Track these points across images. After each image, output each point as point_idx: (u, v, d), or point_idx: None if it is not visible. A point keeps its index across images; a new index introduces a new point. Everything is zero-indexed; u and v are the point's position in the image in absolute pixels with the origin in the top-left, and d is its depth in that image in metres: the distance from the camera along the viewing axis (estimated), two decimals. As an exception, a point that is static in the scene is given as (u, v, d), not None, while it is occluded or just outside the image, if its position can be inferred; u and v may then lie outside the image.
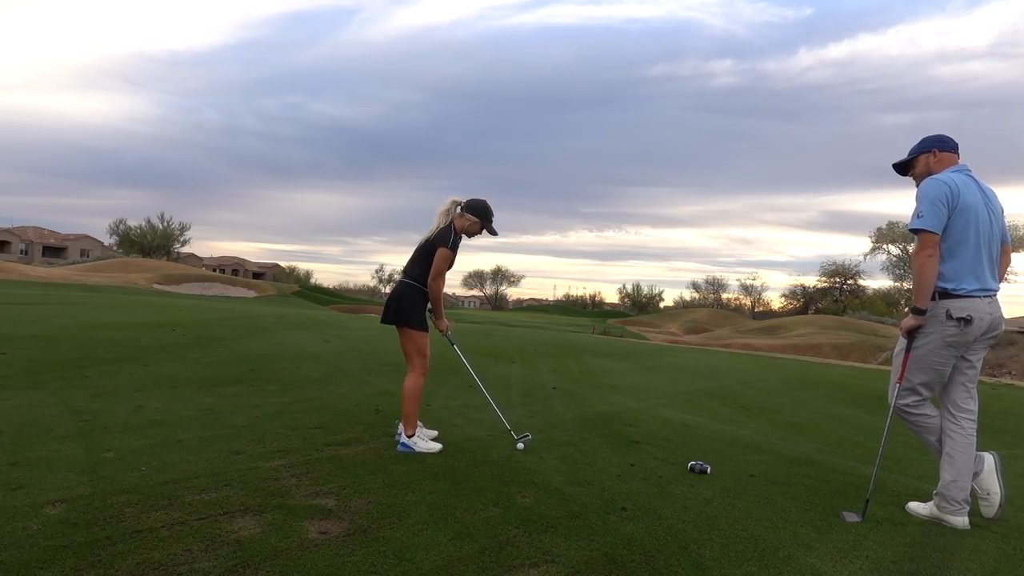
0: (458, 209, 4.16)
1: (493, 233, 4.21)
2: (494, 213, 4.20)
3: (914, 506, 3.49)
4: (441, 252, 3.99)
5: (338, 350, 9.04)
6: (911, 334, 3.38)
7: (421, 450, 3.97)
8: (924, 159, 3.51)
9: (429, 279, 4.03)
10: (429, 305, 4.16)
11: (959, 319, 3.22)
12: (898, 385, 3.46)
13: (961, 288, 3.25)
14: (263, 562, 2.41)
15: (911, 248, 3.47)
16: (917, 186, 3.50)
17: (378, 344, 10.01)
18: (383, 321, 4.18)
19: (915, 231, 3.29)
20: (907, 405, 3.46)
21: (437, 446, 4.06)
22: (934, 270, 3.24)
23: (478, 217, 4.13)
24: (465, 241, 4.20)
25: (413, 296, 4.07)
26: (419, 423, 4.13)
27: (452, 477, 3.57)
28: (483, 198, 4.20)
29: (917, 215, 3.27)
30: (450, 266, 4.09)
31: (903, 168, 3.66)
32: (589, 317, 73.01)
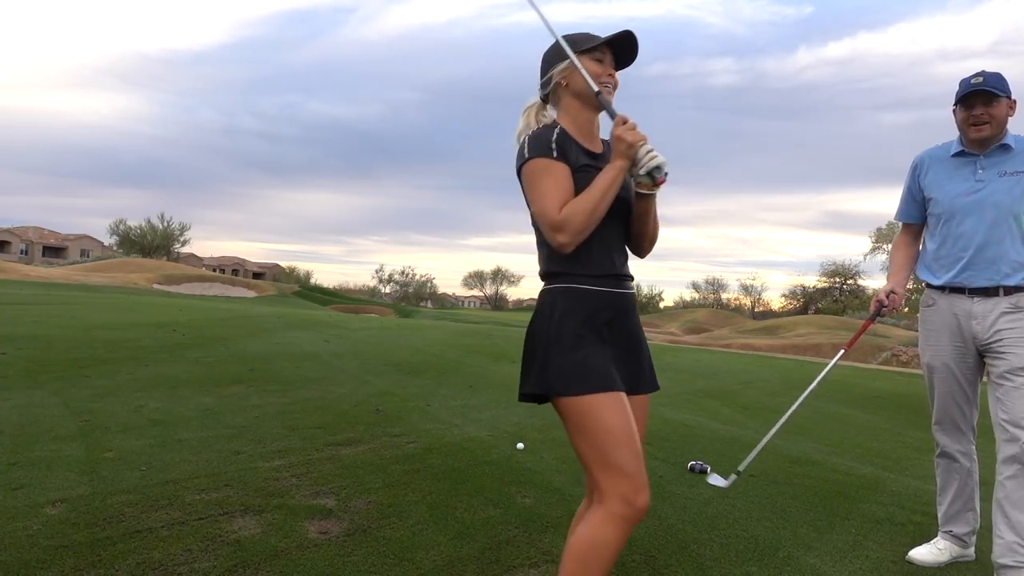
0: (544, 104, 2.04)
1: (598, 40, 1.91)
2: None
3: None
4: (532, 166, 1.81)
5: (338, 350, 9.04)
6: None
7: None
8: (1008, 104, 2.62)
9: (552, 242, 1.78)
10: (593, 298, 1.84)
11: None
12: None
13: None
14: (263, 562, 2.41)
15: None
16: (980, 131, 2.61)
17: (378, 344, 10.02)
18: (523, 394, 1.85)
19: None
20: None
21: None
22: None
23: (574, 53, 1.88)
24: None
25: (545, 316, 1.84)
26: None
27: (452, 477, 3.56)
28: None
29: None
30: (577, 189, 1.80)
31: (977, 98, 2.60)
32: (589, 317, 72.73)
